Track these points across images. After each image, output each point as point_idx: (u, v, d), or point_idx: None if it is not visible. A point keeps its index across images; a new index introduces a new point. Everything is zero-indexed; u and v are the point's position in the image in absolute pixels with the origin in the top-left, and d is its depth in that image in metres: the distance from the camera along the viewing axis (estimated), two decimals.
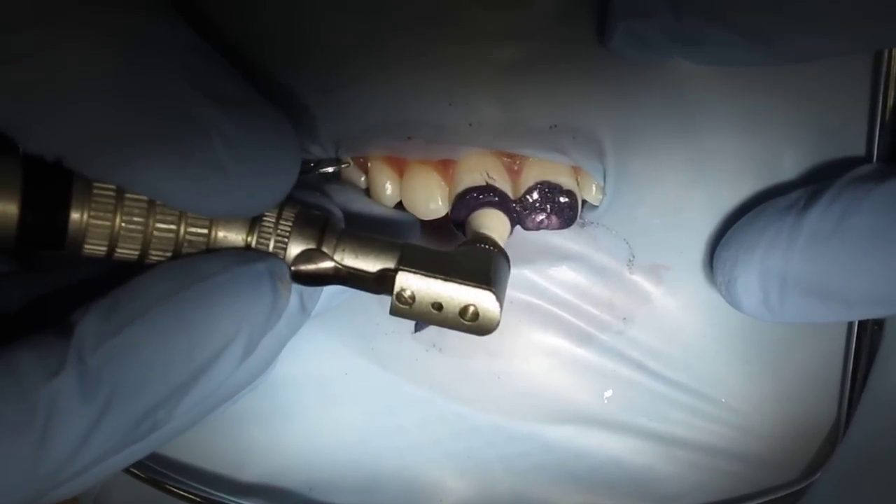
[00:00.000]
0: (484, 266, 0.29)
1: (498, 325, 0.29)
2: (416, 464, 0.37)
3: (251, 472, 0.37)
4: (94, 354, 0.24)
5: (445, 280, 0.28)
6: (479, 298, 0.28)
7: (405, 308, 0.29)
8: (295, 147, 0.27)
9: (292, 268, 0.28)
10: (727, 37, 0.27)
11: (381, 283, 0.29)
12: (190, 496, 0.38)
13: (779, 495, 0.38)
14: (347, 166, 0.35)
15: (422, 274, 0.28)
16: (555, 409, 0.36)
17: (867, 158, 0.33)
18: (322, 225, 0.29)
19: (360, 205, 0.34)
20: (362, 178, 0.35)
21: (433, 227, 0.35)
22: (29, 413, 0.23)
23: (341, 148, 0.34)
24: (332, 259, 0.28)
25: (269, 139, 0.26)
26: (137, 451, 0.27)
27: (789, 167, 0.33)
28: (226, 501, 0.37)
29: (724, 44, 0.27)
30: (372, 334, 0.35)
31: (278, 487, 0.37)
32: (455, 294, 0.28)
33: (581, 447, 0.36)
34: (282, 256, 0.28)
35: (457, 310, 0.28)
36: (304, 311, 0.30)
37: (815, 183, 0.31)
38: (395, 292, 0.28)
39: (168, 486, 0.38)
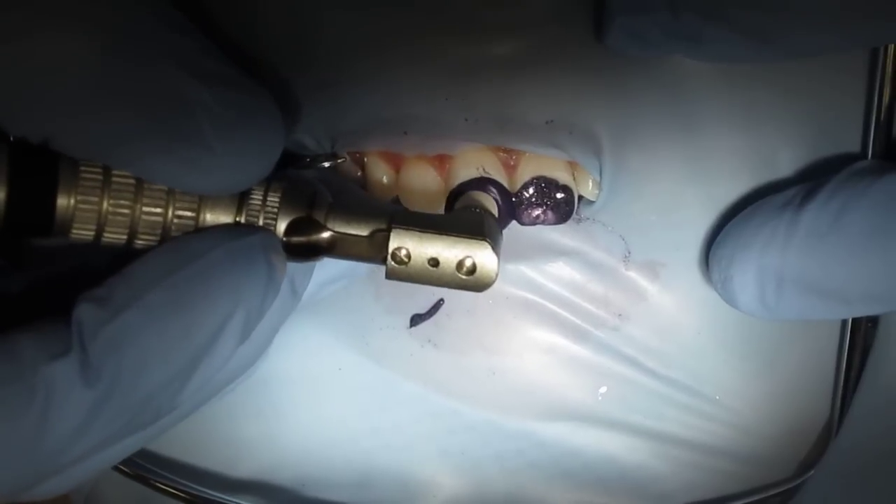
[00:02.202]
0: (477, 223, 0.29)
1: (496, 277, 0.28)
2: (409, 460, 0.37)
3: (243, 469, 0.37)
4: (94, 341, 0.24)
5: (440, 234, 0.28)
6: (475, 250, 0.28)
7: (401, 268, 0.28)
8: (279, 122, 0.27)
9: (284, 240, 0.28)
10: (725, 33, 0.27)
11: (374, 244, 0.28)
12: (180, 494, 0.38)
13: (772, 493, 0.37)
14: (344, 161, 0.35)
15: (416, 230, 0.28)
16: (549, 405, 0.36)
17: (863, 155, 0.33)
18: (310, 197, 0.29)
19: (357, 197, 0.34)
20: (359, 173, 0.35)
21: None
22: (27, 395, 0.23)
23: (338, 143, 0.34)
24: (324, 227, 0.28)
25: (254, 116, 0.26)
26: (139, 439, 0.27)
27: (786, 164, 0.33)
28: (216, 499, 0.37)
29: (722, 40, 0.27)
30: (366, 330, 0.35)
31: (270, 484, 0.37)
32: (451, 248, 0.28)
33: (575, 444, 0.36)
34: (272, 231, 0.28)
35: (454, 264, 0.28)
36: (295, 294, 0.30)
37: (812, 180, 0.31)
38: (390, 251, 0.28)
39: (158, 484, 0.38)
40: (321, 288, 0.31)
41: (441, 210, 0.34)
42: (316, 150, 0.34)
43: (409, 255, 0.28)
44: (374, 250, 0.28)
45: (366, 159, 0.35)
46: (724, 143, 0.33)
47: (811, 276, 0.30)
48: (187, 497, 0.37)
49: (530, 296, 0.35)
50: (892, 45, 0.32)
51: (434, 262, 0.28)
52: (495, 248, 0.28)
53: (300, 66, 0.33)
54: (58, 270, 0.29)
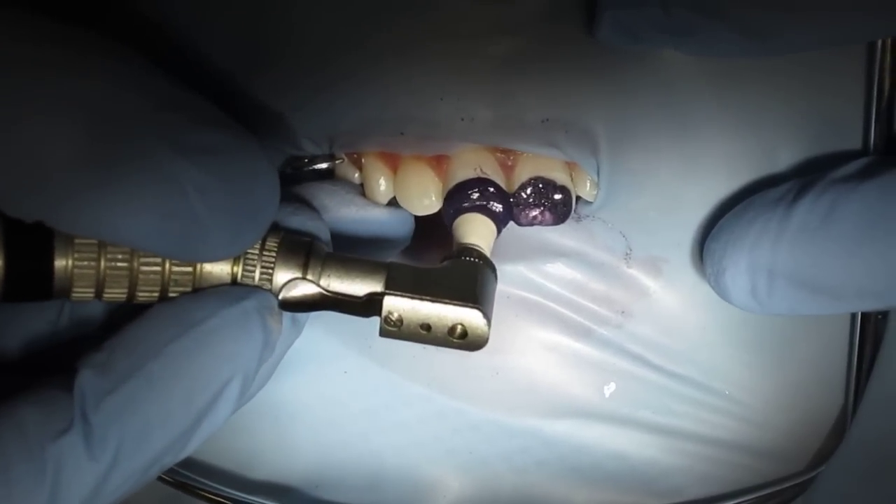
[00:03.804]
0: (470, 282, 0.29)
1: (487, 341, 0.29)
2: (417, 461, 0.37)
3: (258, 471, 0.37)
4: (97, 412, 0.24)
5: (432, 301, 0.28)
6: (466, 317, 0.29)
7: (394, 330, 0.29)
8: (273, 184, 0.27)
9: (280, 297, 0.29)
10: (715, 28, 0.27)
11: (368, 307, 0.29)
12: (201, 492, 0.38)
13: (785, 486, 0.37)
14: (341, 162, 0.35)
15: (408, 297, 0.28)
16: (555, 403, 0.35)
17: (863, 150, 0.33)
18: (306, 251, 0.29)
19: (354, 205, 0.34)
20: (356, 175, 0.35)
21: (427, 223, 0.35)
22: (38, 472, 0.24)
23: (335, 144, 0.34)
24: (318, 285, 0.29)
25: (246, 184, 0.26)
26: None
27: (785, 160, 0.33)
28: (236, 497, 0.38)
29: (713, 35, 0.27)
30: (370, 332, 0.34)
31: (286, 486, 0.38)
32: (442, 314, 0.29)
33: (583, 441, 0.36)
34: (268, 286, 0.28)
35: (445, 329, 0.29)
36: (296, 325, 0.30)
37: (809, 175, 0.31)
38: (382, 316, 0.29)
39: (179, 482, 0.38)
40: None
41: (438, 205, 0.34)
42: (313, 151, 0.34)
43: (401, 320, 0.29)
44: (368, 310, 0.29)
45: (363, 160, 0.35)
46: (722, 139, 0.32)
47: (802, 271, 0.30)
48: (212, 497, 0.38)
49: (531, 296, 0.35)
50: (889, 38, 0.31)
51: (426, 327, 0.29)
52: (486, 312, 0.29)
53: (295, 67, 0.32)
54: (55, 312, 0.29)
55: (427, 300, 0.28)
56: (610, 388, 0.35)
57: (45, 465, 0.24)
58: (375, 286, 0.29)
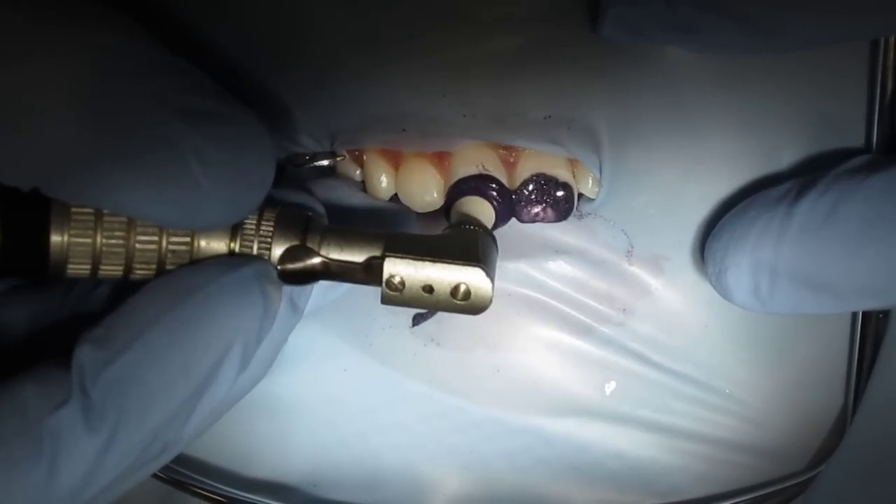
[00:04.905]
0: (471, 245, 0.29)
1: (491, 301, 0.28)
2: (417, 459, 0.36)
3: (256, 469, 0.37)
4: (95, 385, 0.24)
5: (434, 261, 0.28)
6: (469, 276, 0.28)
7: (396, 294, 0.28)
8: (270, 152, 0.27)
9: (279, 267, 0.28)
10: (719, 25, 0.26)
11: (369, 272, 0.28)
12: (197, 490, 0.38)
13: (785, 486, 0.37)
14: (343, 159, 0.35)
15: (409, 258, 0.28)
16: (555, 401, 0.35)
17: (866, 149, 0.33)
18: (304, 222, 0.29)
19: (356, 200, 0.34)
20: (358, 172, 0.35)
21: (429, 221, 0.35)
22: (35, 446, 0.23)
23: (336, 141, 0.34)
24: (318, 254, 0.28)
25: (244, 151, 0.26)
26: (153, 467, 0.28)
27: (788, 159, 0.33)
28: (233, 495, 0.37)
29: (717, 32, 0.27)
30: (370, 330, 0.35)
31: (283, 484, 0.37)
32: (444, 274, 0.28)
33: (583, 440, 0.36)
34: (267, 258, 0.28)
35: (448, 290, 0.28)
36: (296, 310, 0.30)
37: (811, 174, 0.31)
38: (384, 279, 0.28)
39: (175, 480, 0.38)
40: (325, 294, 0.31)
41: (440, 202, 0.34)
42: (315, 148, 0.34)
43: (403, 283, 0.28)
44: (369, 277, 0.29)
45: (365, 157, 0.35)
46: (724, 136, 0.32)
47: (804, 270, 0.29)
48: (208, 495, 0.38)
49: (532, 293, 0.35)
50: (892, 37, 0.31)
51: (428, 289, 0.28)
52: (489, 271, 0.28)
53: (296, 64, 0.32)
54: (59, 296, 0.29)
55: (428, 261, 0.28)
56: (611, 387, 0.35)
57: (43, 439, 0.23)
58: (375, 252, 0.28)
